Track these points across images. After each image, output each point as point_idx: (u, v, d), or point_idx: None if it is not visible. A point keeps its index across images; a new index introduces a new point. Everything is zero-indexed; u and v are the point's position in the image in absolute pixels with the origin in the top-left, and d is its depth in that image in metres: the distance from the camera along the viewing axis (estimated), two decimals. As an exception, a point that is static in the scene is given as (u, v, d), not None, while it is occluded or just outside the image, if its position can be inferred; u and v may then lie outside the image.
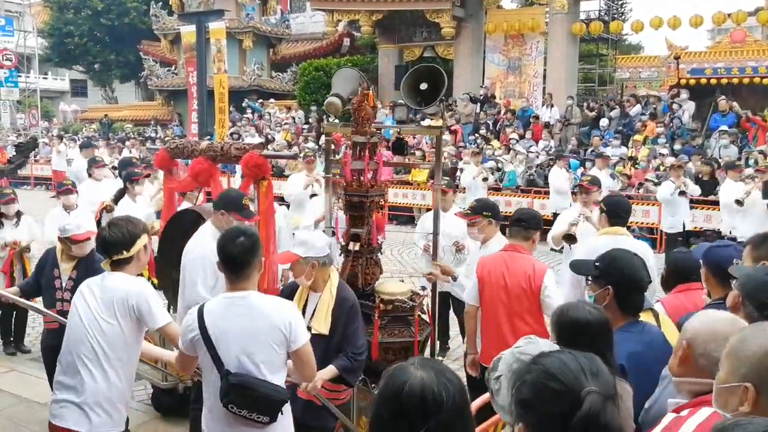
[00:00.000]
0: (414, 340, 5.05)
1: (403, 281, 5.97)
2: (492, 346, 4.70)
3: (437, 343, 6.25)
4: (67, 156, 22.11)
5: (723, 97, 18.77)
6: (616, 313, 3.32)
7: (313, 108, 24.28)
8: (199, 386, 3.97)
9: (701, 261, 3.92)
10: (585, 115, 20.64)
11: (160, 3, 32.38)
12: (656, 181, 14.58)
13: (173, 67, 32.55)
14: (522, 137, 19.09)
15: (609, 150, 17.18)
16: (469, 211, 5.64)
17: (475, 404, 3.60)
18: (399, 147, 5.96)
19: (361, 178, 5.09)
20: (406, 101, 5.72)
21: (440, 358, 6.94)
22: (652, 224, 14.33)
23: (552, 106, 21.13)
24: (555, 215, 12.55)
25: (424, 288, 5.65)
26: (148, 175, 8.90)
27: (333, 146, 6.53)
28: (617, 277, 3.39)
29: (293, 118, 25.20)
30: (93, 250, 5.35)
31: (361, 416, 4.44)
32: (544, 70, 23.13)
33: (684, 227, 12.74)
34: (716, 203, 12.75)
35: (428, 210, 16.34)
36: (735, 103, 18.37)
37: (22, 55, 36.88)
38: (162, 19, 31.76)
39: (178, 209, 6.44)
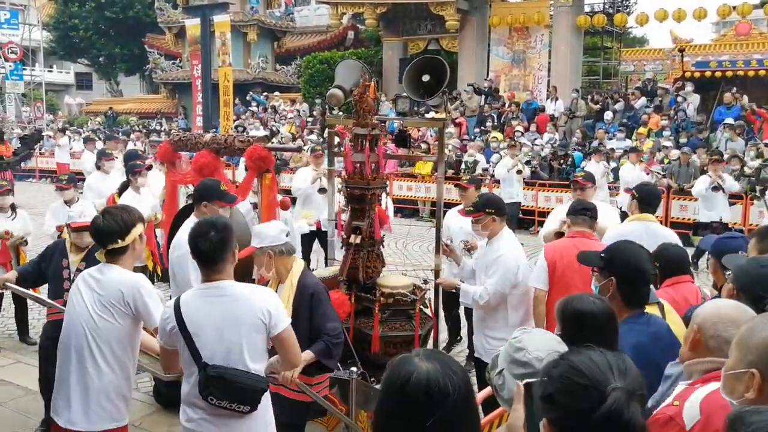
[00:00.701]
0: (415, 333, 5.03)
1: (405, 275, 5.94)
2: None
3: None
4: (71, 149, 22.17)
5: (735, 89, 18.72)
6: (620, 304, 3.30)
7: (318, 101, 24.31)
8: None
9: (709, 252, 3.91)
10: (589, 108, 20.61)
11: (165, -4, 32.41)
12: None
13: (178, 60, 32.58)
14: (527, 130, 19.06)
15: (613, 143, 17.12)
16: (471, 208, 5.55)
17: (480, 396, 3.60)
18: (402, 139, 5.94)
19: (363, 170, 5.07)
20: (409, 93, 5.68)
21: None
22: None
23: (556, 99, 21.11)
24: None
25: (426, 282, 5.61)
26: (150, 167, 8.91)
27: (337, 138, 6.52)
28: (622, 269, 3.37)
29: (297, 111, 25.22)
30: None
31: (359, 410, 4.42)
32: (549, 62, 23.06)
33: (721, 221, 12.25)
34: (730, 196, 12.67)
35: (432, 203, 16.36)
36: (745, 96, 18.32)
37: (27, 48, 36.87)
38: (167, 12, 31.75)
39: (189, 202, 6.43)
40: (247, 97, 27.59)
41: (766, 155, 14.46)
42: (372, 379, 4.46)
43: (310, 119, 23.66)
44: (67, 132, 24.99)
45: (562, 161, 16.59)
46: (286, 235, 4.32)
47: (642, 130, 18.02)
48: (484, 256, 5.31)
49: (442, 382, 1.80)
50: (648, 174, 13.96)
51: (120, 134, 20.48)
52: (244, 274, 4.22)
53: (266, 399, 3.45)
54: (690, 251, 5.67)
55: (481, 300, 5.13)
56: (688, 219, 13.90)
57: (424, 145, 17.46)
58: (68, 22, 39.95)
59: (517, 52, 23.67)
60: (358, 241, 5.11)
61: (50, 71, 48.44)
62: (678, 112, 18.38)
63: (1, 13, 38.14)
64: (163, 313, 3.43)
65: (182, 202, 6.93)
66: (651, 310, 3.52)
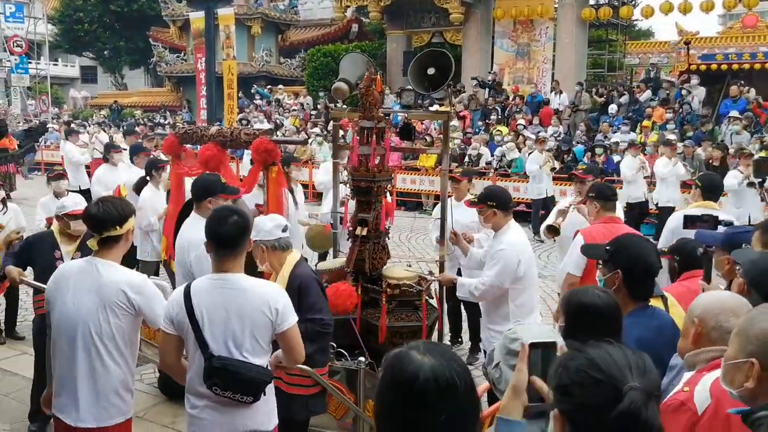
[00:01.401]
0: (422, 324, 5.05)
1: (410, 266, 5.96)
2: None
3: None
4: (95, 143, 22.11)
5: (742, 82, 18.64)
6: (625, 298, 3.29)
7: (322, 94, 24.29)
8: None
9: (719, 246, 3.89)
10: (594, 101, 20.56)
11: (169, -11, 32.39)
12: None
13: (182, 54, 32.60)
14: (530, 123, 19.03)
15: (618, 136, 17.07)
16: (475, 200, 5.56)
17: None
18: (406, 132, 5.94)
19: (368, 163, 5.08)
20: (413, 86, 5.69)
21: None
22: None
23: (561, 92, 21.04)
24: (629, 206, 12.16)
25: (431, 273, 5.63)
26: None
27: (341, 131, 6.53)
28: (627, 262, 3.37)
29: (302, 104, 25.24)
30: None
31: (367, 399, 4.45)
32: (553, 55, 23.01)
33: (750, 220, 10.32)
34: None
35: (436, 196, 16.35)
36: (752, 89, 18.24)
37: (32, 42, 36.96)
38: (171, 5, 31.78)
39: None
40: (251, 90, 27.59)
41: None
42: (379, 369, 4.47)
43: (314, 112, 23.67)
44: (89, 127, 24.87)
45: (565, 156, 16.58)
46: (283, 230, 4.25)
47: (646, 123, 17.96)
48: (491, 248, 5.30)
49: (449, 375, 1.77)
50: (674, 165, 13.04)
51: (125, 126, 20.47)
52: (250, 266, 4.22)
53: (270, 389, 3.48)
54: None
55: (477, 291, 5.11)
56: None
57: (428, 138, 17.45)
58: (73, 16, 39.97)
59: (522, 45, 23.60)
60: (364, 233, 5.14)
61: (55, 65, 48.53)
62: (683, 105, 18.33)
63: (6, 6, 38.25)
64: (170, 297, 3.44)
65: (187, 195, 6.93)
66: (654, 302, 3.52)
